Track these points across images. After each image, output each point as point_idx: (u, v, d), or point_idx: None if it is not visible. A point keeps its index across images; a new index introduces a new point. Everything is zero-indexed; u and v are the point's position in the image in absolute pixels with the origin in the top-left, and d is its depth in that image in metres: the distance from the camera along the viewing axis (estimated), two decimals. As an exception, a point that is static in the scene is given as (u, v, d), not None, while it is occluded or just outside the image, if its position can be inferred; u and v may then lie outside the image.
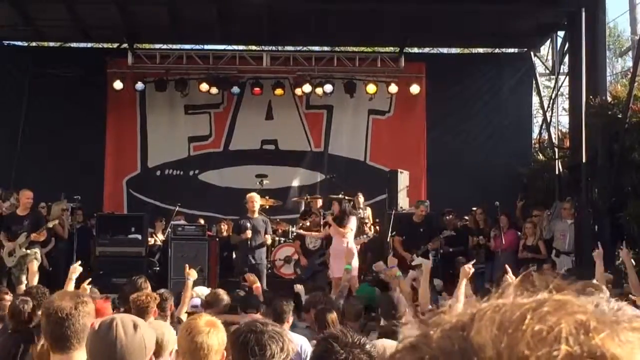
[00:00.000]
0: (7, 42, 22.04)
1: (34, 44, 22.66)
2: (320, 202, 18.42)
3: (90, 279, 9.52)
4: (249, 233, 14.97)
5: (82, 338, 3.97)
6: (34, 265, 14.47)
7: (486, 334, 0.96)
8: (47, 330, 4.17)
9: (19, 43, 22.41)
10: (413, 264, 16.08)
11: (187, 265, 10.69)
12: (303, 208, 18.90)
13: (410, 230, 16.64)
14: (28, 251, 14.70)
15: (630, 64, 28.39)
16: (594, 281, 10.50)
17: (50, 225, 15.56)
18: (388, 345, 4.92)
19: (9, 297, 8.86)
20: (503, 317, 0.97)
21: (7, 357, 6.81)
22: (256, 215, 15.49)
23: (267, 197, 17.77)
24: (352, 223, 15.06)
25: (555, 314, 0.96)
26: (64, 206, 17.49)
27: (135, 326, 3.52)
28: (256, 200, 15.49)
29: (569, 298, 1.00)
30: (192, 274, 10.17)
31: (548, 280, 1.07)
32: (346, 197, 17.23)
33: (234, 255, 18.80)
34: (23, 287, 13.62)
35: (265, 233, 15.54)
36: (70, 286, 8.22)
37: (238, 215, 18.61)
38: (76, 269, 8.58)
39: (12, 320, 7.33)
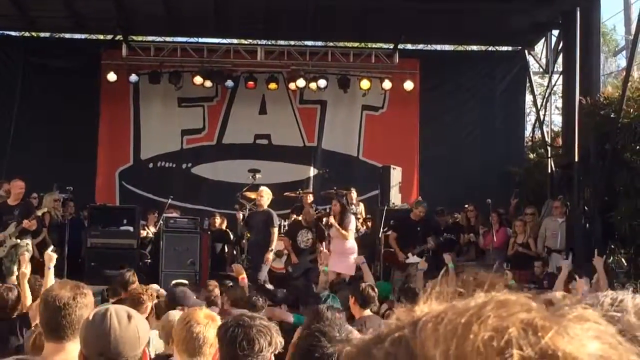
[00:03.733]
0: (1, 31, 21.99)
1: (27, 34, 22.58)
2: (311, 197, 18.42)
3: (52, 247, 9.49)
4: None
5: (77, 329, 3.98)
6: (26, 257, 14.42)
7: (432, 348, 0.94)
8: (43, 319, 4.18)
9: (13, 33, 22.34)
10: (407, 261, 16.10)
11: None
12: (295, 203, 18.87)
13: (406, 228, 16.56)
14: (19, 241, 14.68)
15: (622, 63, 28.49)
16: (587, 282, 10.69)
17: (39, 213, 15.50)
18: None
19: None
20: (447, 328, 0.95)
21: None
22: (264, 208, 15.42)
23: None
24: (352, 223, 15.13)
25: (500, 317, 0.95)
26: (56, 197, 17.48)
27: (129, 317, 3.53)
28: (262, 195, 15.37)
29: (508, 297, 0.99)
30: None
31: (479, 277, 1.06)
32: (338, 192, 17.30)
33: (225, 249, 18.84)
34: (14, 277, 13.61)
35: (271, 226, 15.36)
36: (51, 275, 8.06)
37: (230, 209, 18.68)
38: (52, 257, 8.40)
39: None
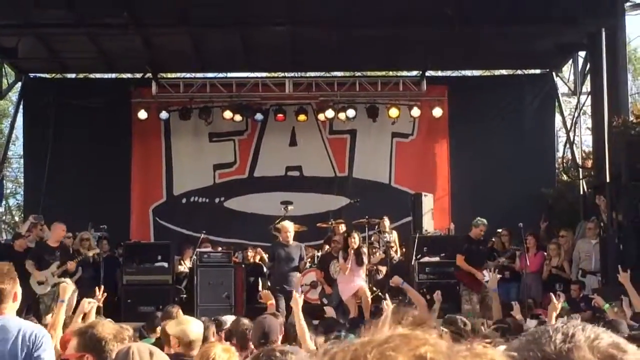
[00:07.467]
0: (33, 74, 22.30)
1: (58, 75, 22.86)
2: (343, 227, 18.40)
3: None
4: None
5: None
6: (68, 290, 14.53)
7: None
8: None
9: (44, 75, 22.64)
10: (485, 280, 15.78)
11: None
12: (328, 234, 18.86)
13: (470, 248, 16.23)
14: (61, 279, 14.89)
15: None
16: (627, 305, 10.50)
17: (90, 254, 15.80)
18: None
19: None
20: (352, 356, 1.02)
21: None
22: (290, 242, 15.64)
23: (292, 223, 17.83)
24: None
25: (397, 349, 1.00)
26: (85, 235, 17.66)
27: (151, 354, 3.60)
28: (290, 230, 15.63)
29: (415, 333, 1.04)
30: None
31: (412, 314, 1.11)
32: (370, 221, 17.35)
33: (259, 282, 18.86)
34: (49, 317, 13.73)
35: (300, 259, 15.69)
36: (62, 309, 7.49)
37: (263, 242, 18.76)
38: (66, 288, 7.82)
39: None
